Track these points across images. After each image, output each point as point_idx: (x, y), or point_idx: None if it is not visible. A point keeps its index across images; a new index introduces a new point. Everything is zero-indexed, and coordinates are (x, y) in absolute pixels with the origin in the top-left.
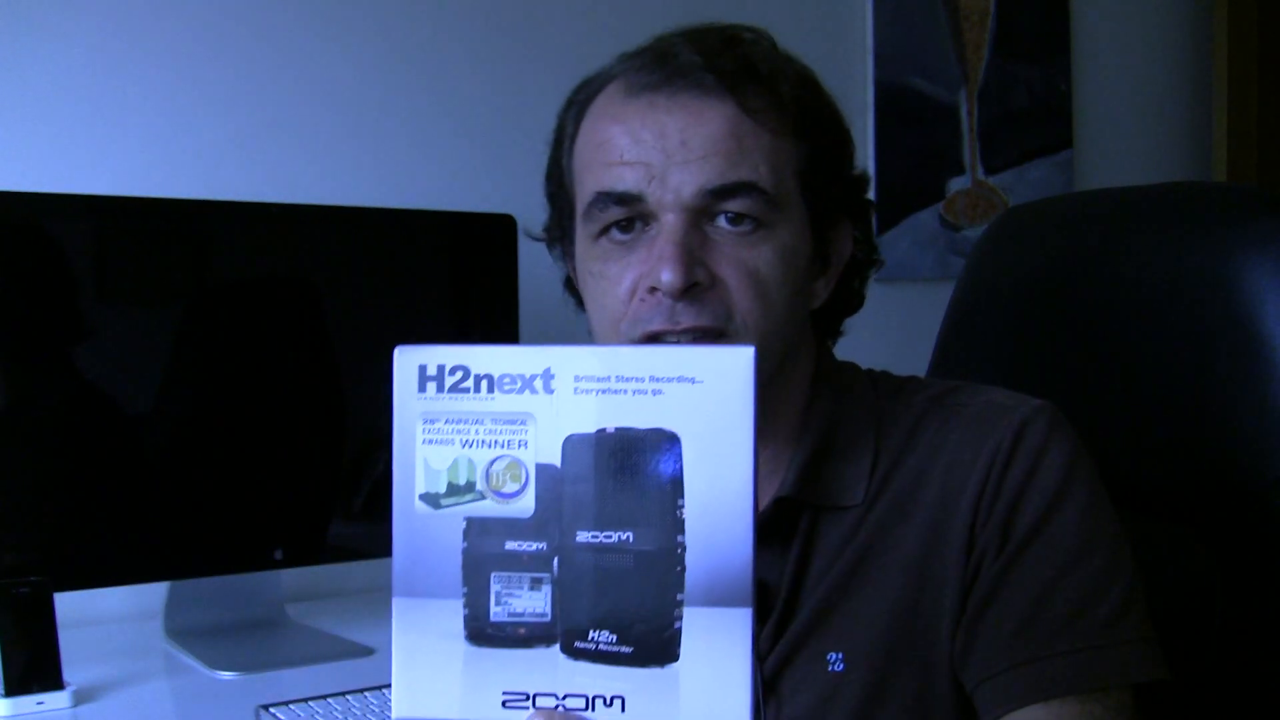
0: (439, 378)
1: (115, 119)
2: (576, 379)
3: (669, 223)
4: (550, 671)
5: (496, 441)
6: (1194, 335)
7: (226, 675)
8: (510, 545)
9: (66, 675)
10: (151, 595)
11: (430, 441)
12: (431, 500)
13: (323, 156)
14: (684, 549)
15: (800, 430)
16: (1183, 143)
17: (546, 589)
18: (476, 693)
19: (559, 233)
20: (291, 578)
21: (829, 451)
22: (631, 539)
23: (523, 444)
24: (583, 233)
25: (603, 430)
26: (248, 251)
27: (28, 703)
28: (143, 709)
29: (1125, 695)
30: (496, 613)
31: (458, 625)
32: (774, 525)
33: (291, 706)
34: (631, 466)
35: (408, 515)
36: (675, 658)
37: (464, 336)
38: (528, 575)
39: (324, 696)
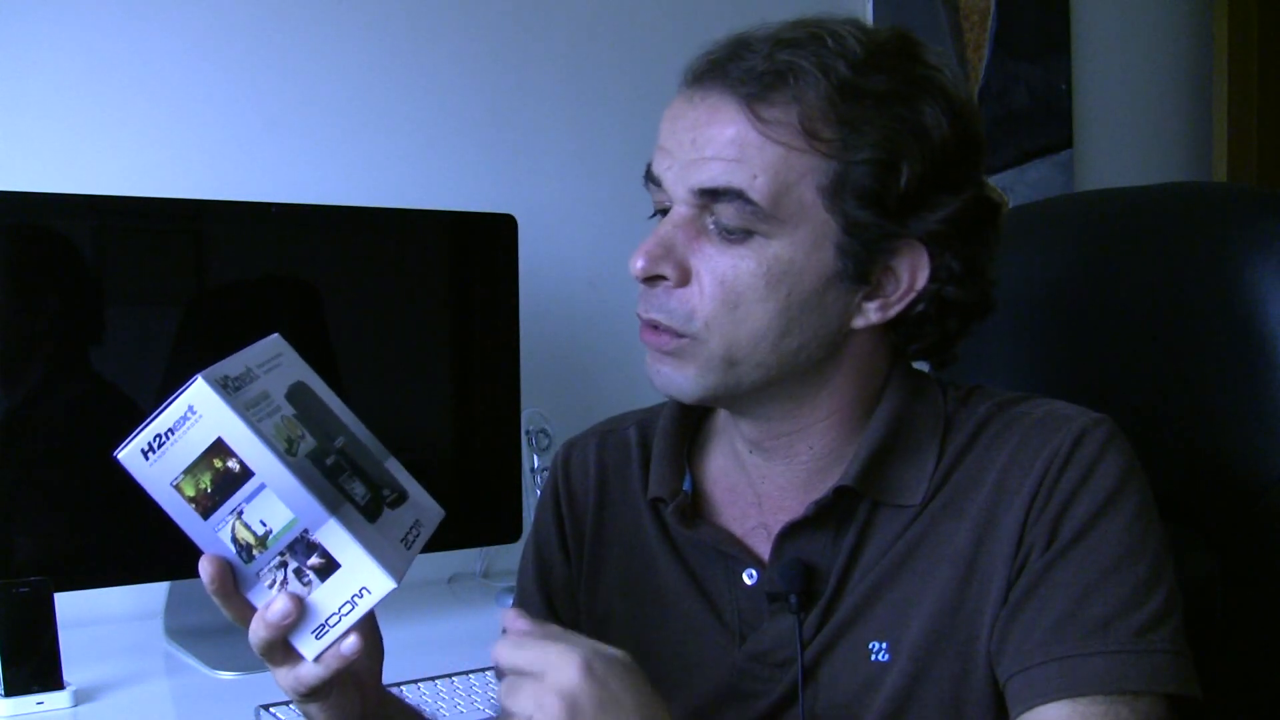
0: (228, 385)
1: (115, 119)
2: (258, 367)
3: (671, 213)
4: (396, 521)
5: (272, 411)
6: (1194, 335)
7: (226, 675)
8: (328, 462)
9: (66, 675)
10: (151, 595)
11: (260, 420)
12: (290, 453)
13: (323, 156)
14: (355, 433)
15: (866, 427)
16: (1183, 143)
17: (356, 479)
18: (398, 548)
19: None
20: None
21: (894, 449)
22: (344, 439)
23: (278, 408)
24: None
25: (288, 387)
26: (248, 251)
27: (28, 703)
28: (143, 709)
29: (1156, 705)
30: (359, 500)
31: (360, 518)
32: (831, 513)
33: (291, 706)
34: (311, 401)
35: (294, 466)
36: (407, 494)
37: (464, 336)
38: (345, 475)
39: None
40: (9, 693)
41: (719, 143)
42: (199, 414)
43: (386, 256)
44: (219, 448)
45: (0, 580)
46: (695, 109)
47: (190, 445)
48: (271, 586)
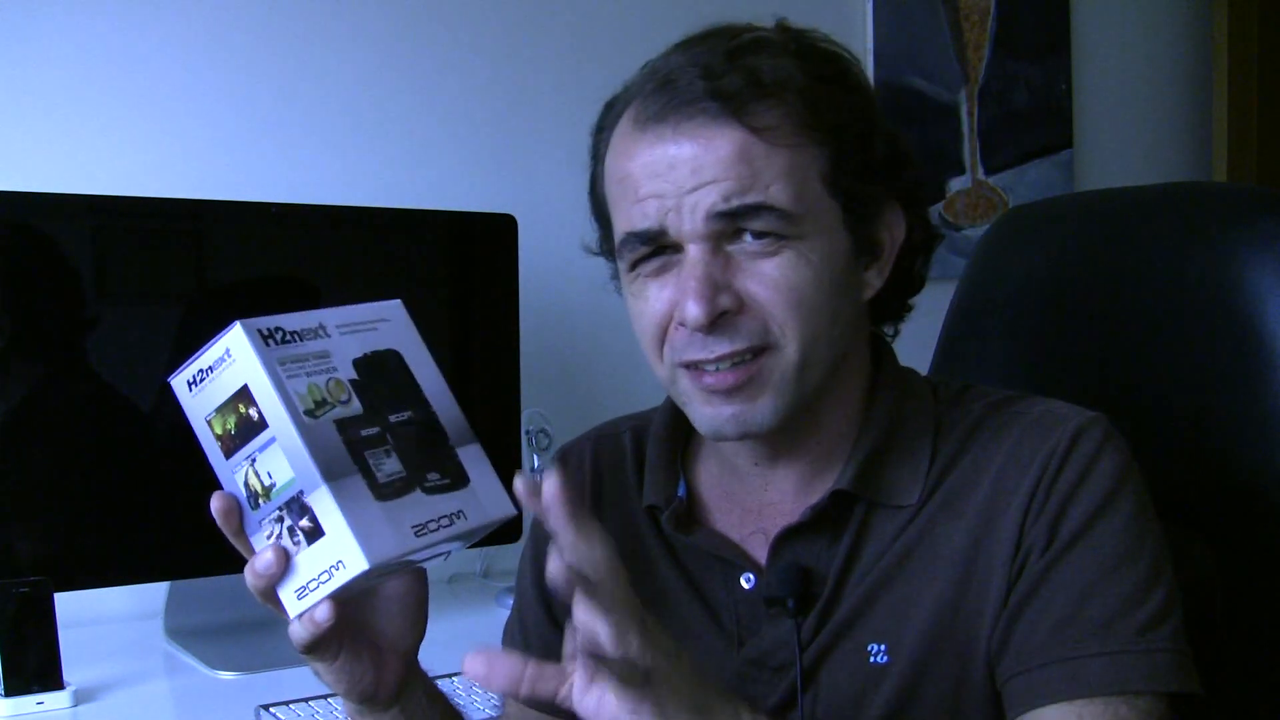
0: (273, 336)
1: (115, 119)
2: (336, 328)
3: (691, 254)
4: (423, 506)
5: (320, 370)
6: (1194, 335)
7: (226, 675)
8: (363, 432)
9: (66, 675)
10: (151, 595)
11: (291, 377)
12: (311, 415)
13: (323, 156)
14: (435, 413)
15: (860, 428)
16: (1183, 143)
17: (394, 455)
18: (399, 531)
19: (607, 245)
20: None
21: (888, 451)
22: (410, 414)
23: (333, 369)
24: (620, 261)
25: (367, 353)
26: (248, 251)
27: (28, 703)
28: (143, 709)
29: (1157, 704)
30: (379, 477)
31: (366, 493)
32: (828, 516)
33: (291, 706)
34: (389, 371)
35: (306, 426)
36: (469, 479)
37: (464, 336)
38: (381, 449)
39: (324, 696)
40: (9, 693)
41: (722, 164)
42: (233, 358)
43: (386, 256)
44: (244, 394)
45: (0, 580)
46: (674, 144)
47: (223, 386)
48: (269, 537)
